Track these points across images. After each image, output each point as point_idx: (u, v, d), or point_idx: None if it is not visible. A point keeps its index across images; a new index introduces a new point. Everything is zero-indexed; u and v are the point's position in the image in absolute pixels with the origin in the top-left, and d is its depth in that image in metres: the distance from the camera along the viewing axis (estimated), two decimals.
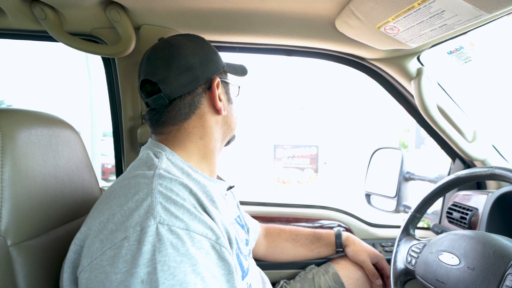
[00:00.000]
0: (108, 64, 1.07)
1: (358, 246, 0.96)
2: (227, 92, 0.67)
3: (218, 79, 0.63)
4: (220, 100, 0.63)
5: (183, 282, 0.40)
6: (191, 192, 0.50)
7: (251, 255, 0.75)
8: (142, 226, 0.41)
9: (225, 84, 0.67)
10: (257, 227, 0.96)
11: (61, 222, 0.57)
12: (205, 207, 0.49)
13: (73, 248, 0.46)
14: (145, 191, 0.46)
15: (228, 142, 0.72)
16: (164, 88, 0.57)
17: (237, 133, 0.73)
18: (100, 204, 0.49)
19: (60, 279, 0.48)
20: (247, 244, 0.72)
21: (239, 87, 0.73)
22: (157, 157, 0.56)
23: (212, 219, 0.49)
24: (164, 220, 0.43)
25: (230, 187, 0.70)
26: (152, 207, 0.43)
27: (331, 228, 1.21)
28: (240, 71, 0.73)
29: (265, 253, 1.00)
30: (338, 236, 0.99)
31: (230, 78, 0.70)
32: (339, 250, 0.99)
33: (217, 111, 0.63)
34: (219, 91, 0.63)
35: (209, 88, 0.62)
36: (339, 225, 1.21)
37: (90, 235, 0.44)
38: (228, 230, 0.52)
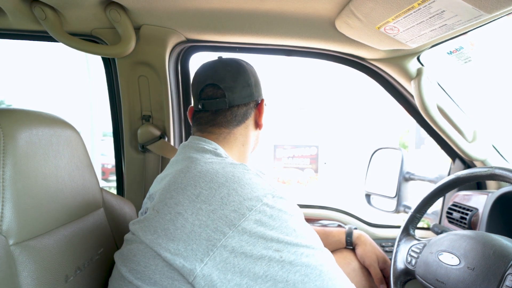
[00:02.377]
0: (108, 64, 1.08)
1: (369, 247, 0.94)
2: (263, 114, 0.78)
3: (265, 100, 0.76)
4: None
5: (307, 224, 0.54)
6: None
7: None
8: (273, 194, 0.52)
9: (259, 106, 0.78)
10: None
11: (62, 222, 0.57)
12: None
13: (195, 222, 0.49)
14: (251, 173, 0.55)
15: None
16: (228, 95, 0.68)
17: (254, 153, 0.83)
18: (200, 183, 0.53)
19: (183, 248, 0.49)
20: None
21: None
22: (219, 151, 0.64)
23: None
24: (281, 190, 0.54)
25: None
26: (268, 182, 0.54)
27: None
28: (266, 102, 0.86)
29: None
30: (349, 234, 0.98)
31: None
32: (349, 248, 0.98)
33: (258, 126, 0.75)
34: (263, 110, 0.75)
35: (256, 106, 0.74)
36: (339, 225, 1.21)
37: (214, 209, 0.50)
38: None
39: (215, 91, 0.68)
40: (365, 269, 0.95)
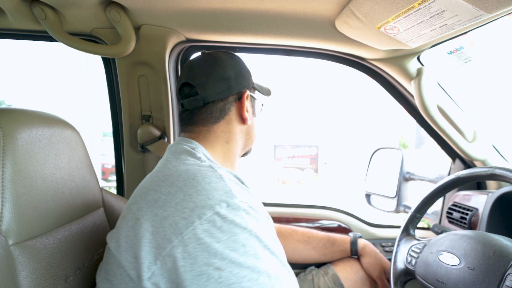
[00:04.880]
0: (108, 64, 1.07)
1: (375, 259, 0.93)
2: (253, 106, 0.75)
3: (248, 92, 0.71)
4: (247, 111, 0.71)
5: (268, 244, 0.48)
6: (242, 182, 0.56)
7: None
8: (227, 202, 0.48)
9: (252, 98, 0.75)
10: None
11: (62, 222, 0.57)
12: (249, 191, 0.56)
13: (148, 229, 0.48)
14: (215, 176, 0.51)
15: (245, 154, 0.78)
16: (201, 92, 0.66)
17: (254, 146, 0.80)
18: (160, 187, 0.51)
19: (127, 262, 0.48)
20: None
21: (262, 104, 0.81)
22: (195, 151, 0.61)
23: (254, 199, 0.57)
24: (241, 200, 0.49)
25: None
26: (229, 189, 0.50)
27: (332, 228, 1.21)
28: (266, 91, 0.80)
29: None
30: (353, 243, 0.96)
31: (257, 95, 0.78)
32: (354, 257, 0.97)
33: (243, 120, 0.70)
34: (247, 103, 0.70)
35: (239, 99, 0.70)
36: (339, 225, 1.21)
37: (167, 216, 0.48)
38: None
39: (190, 89, 0.67)
40: (372, 278, 0.95)
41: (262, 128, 0.81)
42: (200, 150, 0.63)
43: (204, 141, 0.66)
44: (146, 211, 0.49)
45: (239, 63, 0.72)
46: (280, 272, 0.47)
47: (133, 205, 0.53)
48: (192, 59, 0.71)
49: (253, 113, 0.75)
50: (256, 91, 0.77)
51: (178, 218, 0.46)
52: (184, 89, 0.68)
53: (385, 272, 0.92)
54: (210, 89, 0.66)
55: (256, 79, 0.78)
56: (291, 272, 0.50)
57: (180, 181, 0.51)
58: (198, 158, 0.59)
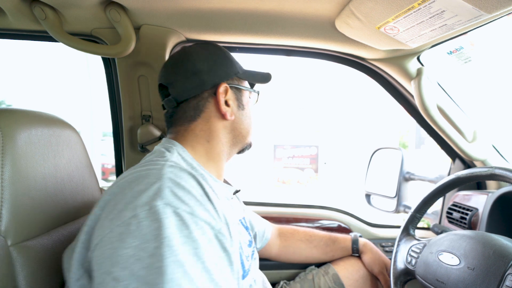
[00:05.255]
0: (108, 64, 1.07)
1: (376, 255, 0.94)
2: (238, 98, 0.68)
3: (225, 85, 0.64)
4: (228, 105, 0.65)
5: (185, 262, 0.41)
6: (199, 182, 0.52)
7: (254, 256, 0.74)
8: (150, 205, 0.43)
9: (237, 90, 0.68)
10: (267, 229, 0.96)
11: (61, 222, 0.57)
12: (210, 199, 0.51)
13: (85, 229, 0.48)
14: (156, 176, 0.48)
15: (242, 150, 0.73)
16: (172, 91, 0.63)
17: (253, 141, 0.74)
18: (111, 188, 0.50)
19: (68, 264, 0.49)
20: (249, 245, 0.72)
21: (258, 93, 0.75)
22: (169, 151, 0.59)
23: (216, 210, 0.51)
24: (172, 202, 0.45)
25: (237, 191, 0.70)
26: (161, 189, 0.46)
27: (332, 228, 1.21)
28: (261, 78, 0.73)
29: (278, 253, 0.99)
30: (355, 241, 0.97)
31: (247, 84, 0.72)
32: (355, 255, 0.98)
33: (223, 115, 0.64)
34: (227, 97, 0.65)
35: (215, 93, 0.64)
36: (339, 225, 1.21)
37: (101, 216, 0.47)
38: (229, 225, 0.53)
39: (164, 89, 0.65)
40: (373, 276, 0.95)
41: (254, 120, 0.72)
42: (176, 150, 0.59)
43: (183, 140, 0.63)
44: (90, 216, 0.49)
45: (215, 54, 0.66)
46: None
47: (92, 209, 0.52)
48: (169, 56, 0.69)
49: (239, 106, 0.68)
50: (244, 81, 0.71)
51: (105, 221, 0.45)
52: (162, 91, 0.67)
53: (386, 269, 0.92)
54: (180, 87, 0.62)
55: (249, 66, 0.71)
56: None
57: (124, 182, 0.49)
58: (163, 158, 0.56)
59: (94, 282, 0.42)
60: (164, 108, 0.66)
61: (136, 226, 0.42)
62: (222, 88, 0.64)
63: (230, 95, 0.66)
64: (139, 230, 0.41)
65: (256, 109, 0.76)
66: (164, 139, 0.65)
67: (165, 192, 0.45)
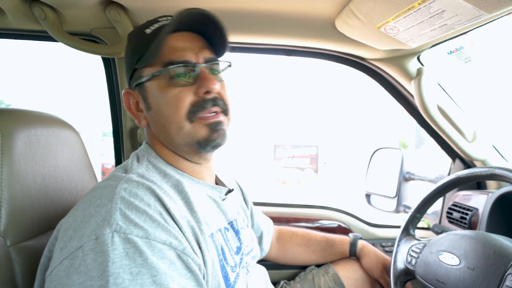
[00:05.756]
0: (108, 64, 1.07)
1: (374, 258, 0.93)
2: (144, 98, 0.57)
3: (124, 91, 0.59)
4: (139, 110, 0.58)
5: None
6: (158, 198, 0.47)
7: (243, 264, 0.65)
8: (97, 234, 0.40)
9: (140, 88, 0.57)
10: (271, 229, 0.96)
11: None
12: (172, 215, 0.47)
13: (46, 253, 0.46)
14: (108, 196, 0.44)
15: (203, 146, 0.57)
16: None
17: (203, 138, 0.56)
18: (73, 208, 0.47)
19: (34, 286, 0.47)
20: (237, 252, 0.64)
21: (168, 69, 0.54)
22: (138, 160, 0.55)
23: (180, 228, 0.47)
24: (121, 228, 0.40)
25: (229, 191, 0.66)
26: (110, 213, 0.41)
27: (332, 228, 1.21)
28: (152, 49, 0.52)
29: (276, 256, 0.99)
30: (353, 245, 0.96)
31: (147, 72, 0.56)
32: (353, 258, 0.97)
33: (134, 115, 0.60)
34: (132, 101, 0.59)
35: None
36: (339, 225, 1.21)
37: (57, 241, 0.44)
38: (200, 240, 0.49)
39: None
40: (374, 277, 0.95)
41: (173, 110, 0.54)
42: (146, 157, 0.56)
43: (152, 143, 0.60)
44: (52, 236, 0.46)
45: (127, 54, 0.59)
46: None
47: None
48: None
49: (148, 107, 0.57)
50: (145, 70, 0.56)
51: (57, 250, 0.42)
52: None
53: (386, 270, 0.91)
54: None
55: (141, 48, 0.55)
56: None
57: (82, 202, 0.46)
58: (126, 169, 0.52)
59: None
60: None
61: (81, 260, 0.38)
62: (124, 96, 0.59)
63: (132, 100, 0.59)
64: (84, 265, 0.38)
65: (168, 97, 0.54)
66: (144, 142, 0.62)
67: (115, 216, 0.41)
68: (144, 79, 0.55)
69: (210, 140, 0.56)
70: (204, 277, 0.47)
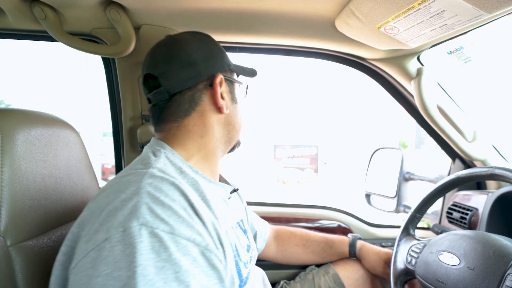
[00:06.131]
0: (108, 64, 1.07)
1: (374, 257, 0.93)
2: (231, 91, 0.64)
3: (221, 76, 0.60)
4: (222, 98, 0.61)
5: (160, 279, 0.38)
6: (183, 193, 0.47)
7: (253, 262, 0.70)
8: (124, 227, 0.40)
9: (230, 82, 0.64)
10: (266, 229, 0.96)
11: (60, 222, 0.57)
12: (196, 210, 0.47)
13: (63, 249, 0.46)
14: (133, 190, 0.44)
15: (233, 148, 0.69)
16: (164, 83, 0.57)
17: (242, 138, 0.71)
18: (91, 203, 0.48)
19: (50, 282, 0.47)
20: (248, 250, 0.67)
21: (247, 87, 0.72)
22: (155, 155, 0.54)
23: (204, 223, 0.47)
24: (148, 222, 0.41)
25: (234, 190, 0.67)
26: (137, 207, 0.42)
27: (332, 228, 1.21)
28: (249, 72, 0.70)
29: (275, 256, 0.99)
30: (352, 245, 0.96)
31: (236, 77, 0.69)
32: (353, 258, 0.97)
33: (218, 109, 0.60)
34: (222, 89, 0.61)
35: (211, 85, 0.60)
36: (339, 225, 1.21)
37: (80, 235, 0.44)
38: (220, 235, 0.50)
39: (153, 81, 0.58)
40: (373, 276, 0.95)
41: (247, 114, 0.69)
42: (164, 153, 0.55)
43: (173, 140, 0.59)
44: (70, 232, 0.46)
45: (208, 44, 0.63)
46: None
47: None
48: (154, 45, 0.62)
49: (232, 99, 0.64)
50: (234, 74, 0.67)
51: (82, 243, 0.42)
52: (148, 82, 0.59)
53: (388, 265, 0.91)
54: (174, 77, 0.57)
55: (236, 60, 0.68)
56: None
57: (102, 197, 0.46)
58: (147, 164, 0.52)
59: None
60: (150, 102, 0.61)
61: (109, 252, 0.39)
62: (218, 79, 0.60)
63: (224, 88, 0.62)
64: (112, 256, 0.38)
65: (246, 103, 0.72)
66: (153, 139, 0.61)
67: (142, 210, 0.42)
68: (235, 80, 0.66)
69: (239, 143, 0.70)
70: (225, 272, 0.48)
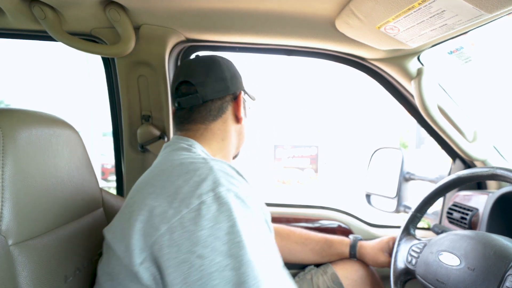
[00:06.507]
0: (108, 64, 1.07)
1: (370, 251, 0.94)
2: (244, 108, 0.77)
3: (242, 93, 0.74)
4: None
5: (255, 233, 0.48)
6: (239, 173, 0.56)
7: None
8: (214, 192, 0.48)
9: (244, 100, 0.77)
10: None
11: (61, 222, 0.57)
12: (250, 184, 0.57)
13: (140, 218, 0.49)
14: (206, 168, 0.52)
15: (234, 156, 0.79)
16: (200, 90, 0.68)
17: (242, 150, 0.82)
18: (154, 182, 0.53)
19: (116, 245, 0.51)
20: None
21: (249, 108, 0.83)
22: (194, 148, 0.63)
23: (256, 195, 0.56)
24: (231, 188, 0.50)
25: None
26: (217, 179, 0.50)
27: (332, 228, 1.21)
28: (253, 96, 0.83)
29: None
30: (353, 247, 0.97)
31: (247, 98, 0.80)
32: (353, 259, 0.98)
33: (237, 119, 0.73)
34: (241, 104, 0.74)
35: (235, 99, 0.73)
36: (339, 226, 1.21)
37: (158, 206, 0.49)
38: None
39: (188, 87, 0.69)
40: (372, 276, 0.95)
41: (250, 131, 0.84)
42: (197, 146, 0.65)
43: (201, 138, 0.68)
44: (140, 203, 0.51)
45: (233, 66, 0.76)
46: (263, 261, 0.46)
47: (130, 199, 0.55)
48: (189, 60, 0.74)
49: (245, 114, 0.77)
50: (246, 94, 0.79)
51: (167, 208, 0.48)
52: (182, 88, 0.70)
53: (384, 253, 0.92)
54: (209, 87, 0.68)
55: (244, 83, 0.80)
56: (276, 262, 0.50)
57: (174, 174, 0.53)
58: (194, 153, 0.61)
59: (170, 262, 0.45)
60: (178, 105, 0.70)
61: (207, 211, 0.46)
62: (241, 95, 0.74)
63: (242, 103, 0.74)
64: (210, 213, 0.46)
65: (250, 121, 0.86)
66: (178, 137, 0.68)
67: (222, 181, 0.50)
68: (247, 99, 0.78)
69: (238, 153, 0.81)
70: None
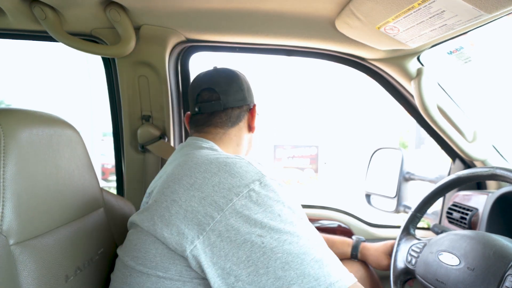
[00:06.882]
0: (108, 64, 1.07)
1: (374, 253, 0.94)
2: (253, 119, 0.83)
3: (256, 106, 0.80)
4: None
5: (300, 211, 0.54)
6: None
7: None
8: (260, 180, 0.53)
9: (256, 112, 0.82)
10: None
11: (62, 222, 0.57)
12: None
13: (188, 208, 0.52)
14: (244, 162, 0.56)
15: None
16: (223, 98, 0.74)
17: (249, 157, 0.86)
18: (193, 174, 0.56)
19: (177, 234, 0.52)
20: None
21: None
22: (213, 148, 0.68)
23: None
24: (273, 178, 0.55)
25: None
26: (259, 170, 0.55)
27: (332, 228, 1.21)
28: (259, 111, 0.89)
29: None
30: (355, 247, 0.97)
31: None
32: (354, 260, 0.98)
33: (250, 129, 0.80)
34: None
35: (250, 110, 0.79)
36: (339, 226, 1.21)
37: (206, 196, 0.52)
38: None
39: (211, 94, 0.75)
40: (372, 277, 0.96)
41: (258, 142, 0.90)
42: (217, 148, 0.69)
43: (219, 141, 0.74)
44: (182, 193, 0.54)
45: (248, 81, 0.82)
46: (315, 235, 0.52)
47: (165, 189, 0.56)
48: (211, 70, 0.80)
49: (254, 125, 0.82)
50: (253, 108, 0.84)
51: (217, 197, 0.51)
52: (203, 94, 0.75)
53: (388, 257, 0.92)
54: (231, 96, 0.75)
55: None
56: (320, 235, 0.55)
57: (213, 167, 0.56)
58: (219, 152, 0.65)
59: (231, 245, 0.48)
60: (199, 110, 0.75)
61: (257, 197, 0.51)
62: (256, 106, 0.80)
63: (255, 114, 0.81)
64: (261, 198, 0.51)
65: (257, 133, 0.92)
66: (195, 137, 0.72)
67: (264, 171, 0.55)
68: (257, 112, 0.82)
69: None
70: None
